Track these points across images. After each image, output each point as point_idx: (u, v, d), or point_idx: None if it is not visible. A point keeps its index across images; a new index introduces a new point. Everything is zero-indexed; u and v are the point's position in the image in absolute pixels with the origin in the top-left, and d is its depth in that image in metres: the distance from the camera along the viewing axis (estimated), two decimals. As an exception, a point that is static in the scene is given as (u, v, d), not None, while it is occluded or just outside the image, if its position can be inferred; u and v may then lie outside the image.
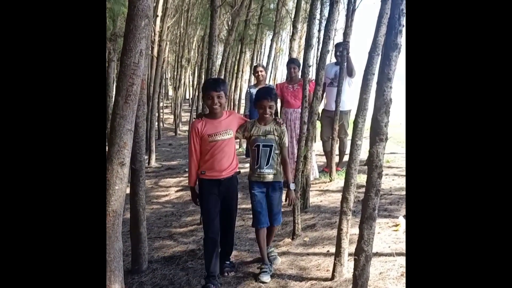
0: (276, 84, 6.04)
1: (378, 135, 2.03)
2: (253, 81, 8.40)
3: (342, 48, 5.54)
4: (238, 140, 10.95)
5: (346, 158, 5.99)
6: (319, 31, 8.39)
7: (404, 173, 5.56)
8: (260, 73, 5.73)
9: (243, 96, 11.72)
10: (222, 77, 8.98)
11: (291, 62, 5.53)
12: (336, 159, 5.78)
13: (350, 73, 5.60)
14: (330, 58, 8.86)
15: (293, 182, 3.30)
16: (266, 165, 3.11)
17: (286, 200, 3.23)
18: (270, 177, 3.14)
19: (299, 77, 5.54)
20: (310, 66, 4.07)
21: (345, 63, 5.49)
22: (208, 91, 2.98)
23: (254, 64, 9.31)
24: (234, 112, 3.34)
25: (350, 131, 6.16)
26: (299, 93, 5.29)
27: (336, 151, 5.78)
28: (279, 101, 5.69)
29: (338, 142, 5.97)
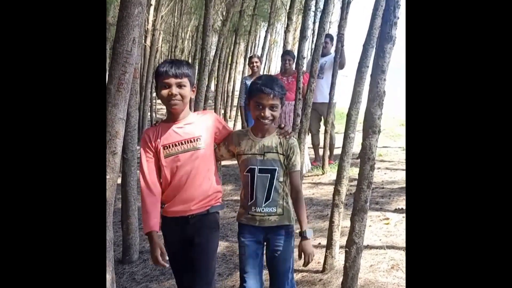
0: None
1: (371, 127, 2.03)
2: (247, 72, 8.37)
3: (331, 39, 5.56)
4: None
5: (336, 151, 6.03)
6: (313, 23, 8.35)
7: (395, 167, 5.59)
8: (255, 64, 5.71)
9: (237, 88, 11.69)
10: (216, 68, 8.94)
11: (286, 54, 5.51)
12: (323, 151, 5.79)
13: (342, 66, 5.60)
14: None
15: (310, 228, 2.06)
16: (265, 202, 2.03)
17: (299, 257, 2.05)
18: (272, 220, 2.04)
19: (294, 69, 5.53)
20: (304, 58, 4.06)
21: (339, 56, 5.48)
22: (163, 76, 1.97)
23: (249, 55, 9.26)
24: (210, 113, 2.23)
25: (335, 123, 6.17)
26: (293, 86, 5.27)
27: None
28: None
29: (324, 135, 5.95)
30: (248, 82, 5.70)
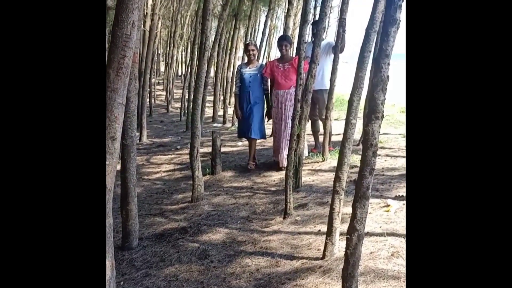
0: (267, 62, 5.92)
1: (374, 112, 1.99)
2: (246, 59, 8.28)
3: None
4: (231, 119, 10.85)
5: (333, 137, 6.02)
6: (315, 8, 8.26)
7: (396, 154, 5.57)
8: (251, 52, 5.56)
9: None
10: (216, 53, 8.84)
11: (283, 39, 5.37)
12: (321, 138, 5.77)
13: (342, 51, 5.52)
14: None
15: None
16: None
17: None
18: None
19: (291, 55, 5.44)
20: (305, 43, 4.00)
21: (340, 41, 5.41)
22: None
23: (248, 40, 9.15)
24: None
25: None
26: (290, 73, 5.16)
27: (321, 130, 5.75)
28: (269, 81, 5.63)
29: (324, 122, 5.90)
30: (244, 70, 5.59)
